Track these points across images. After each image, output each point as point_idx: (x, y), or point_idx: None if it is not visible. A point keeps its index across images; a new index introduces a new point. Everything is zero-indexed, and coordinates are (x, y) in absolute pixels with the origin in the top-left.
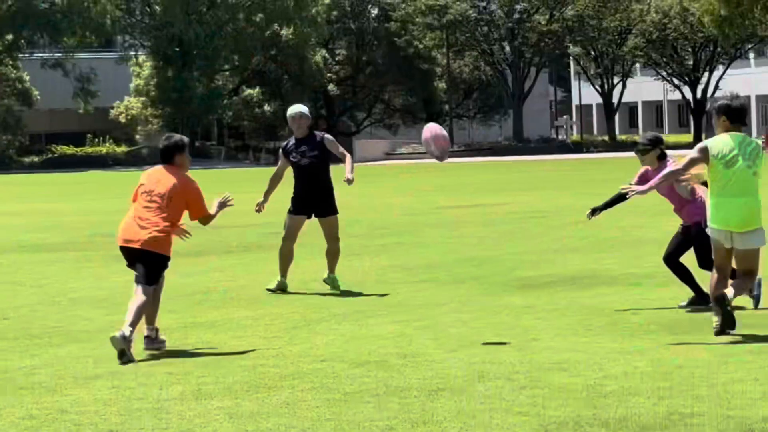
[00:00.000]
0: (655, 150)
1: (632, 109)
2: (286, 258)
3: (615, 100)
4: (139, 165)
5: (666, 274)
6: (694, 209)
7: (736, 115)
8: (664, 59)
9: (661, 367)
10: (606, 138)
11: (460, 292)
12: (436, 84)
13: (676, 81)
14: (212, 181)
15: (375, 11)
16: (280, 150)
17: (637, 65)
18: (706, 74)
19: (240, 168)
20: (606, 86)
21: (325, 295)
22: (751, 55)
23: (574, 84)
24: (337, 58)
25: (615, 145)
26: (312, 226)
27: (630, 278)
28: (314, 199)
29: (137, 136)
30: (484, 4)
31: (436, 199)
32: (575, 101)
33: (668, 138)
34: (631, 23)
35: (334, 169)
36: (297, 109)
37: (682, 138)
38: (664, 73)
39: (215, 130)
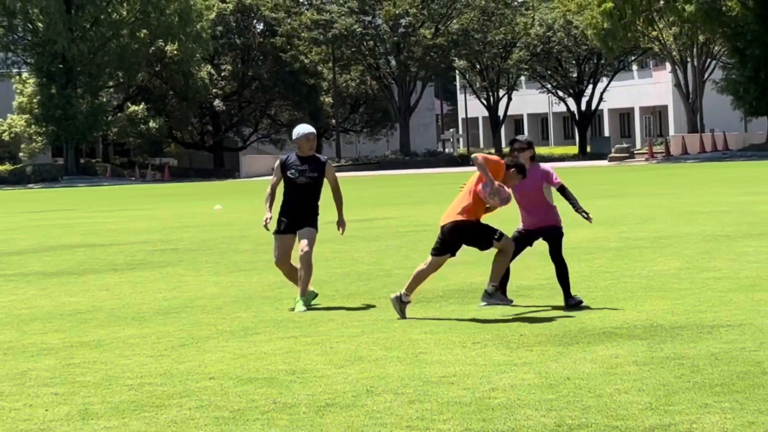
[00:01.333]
0: (530, 150)
1: (518, 121)
2: (292, 277)
3: (501, 113)
4: (23, 183)
5: (553, 286)
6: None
7: None
8: (549, 72)
9: (549, 378)
10: (492, 151)
11: (349, 307)
12: (323, 98)
13: (560, 93)
14: (98, 199)
15: (260, 26)
16: (279, 163)
17: (522, 78)
18: (591, 86)
19: (126, 185)
20: (491, 99)
21: (211, 312)
22: (634, 67)
23: (460, 97)
24: (222, 74)
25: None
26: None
27: (518, 290)
28: (301, 218)
29: (21, 154)
30: (369, 18)
31: (322, 214)
32: (461, 114)
33: (554, 150)
34: (516, 37)
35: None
36: (309, 129)
37: (567, 150)
38: (548, 86)
39: (100, 147)
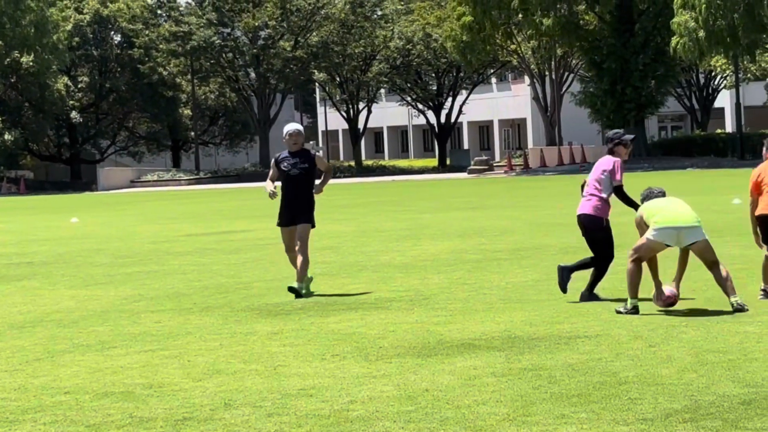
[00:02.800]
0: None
1: (378, 134)
2: (295, 263)
3: (361, 125)
4: None
5: (412, 298)
6: None
7: None
8: (409, 85)
9: (407, 390)
10: (352, 163)
11: (207, 321)
12: (182, 111)
13: (420, 106)
14: None
15: (118, 38)
16: (273, 160)
17: (382, 91)
18: (450, 99)
19: None
20: (351, 112)
21: (67, 326)
22: (493, 80)
23: (320, 110)
24: (79, 86)
25: (361, 171)
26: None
27: (377, 303)
28: (297, 208)
29: None
30: (228, 30)
31: (181, 227)
32: (321, 127)
33: (414, 162)
34: (376, 49)
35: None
36: (294, 126)
37: (427, 162)
38: (408, 99)
39: None
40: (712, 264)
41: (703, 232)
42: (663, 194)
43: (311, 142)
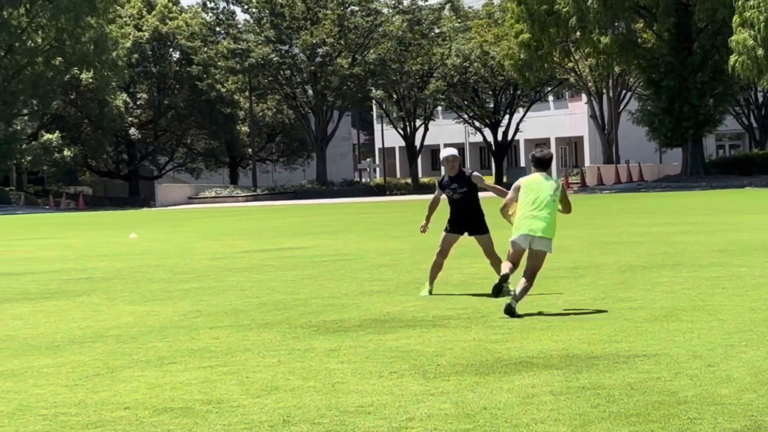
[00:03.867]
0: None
1: (434, 151)
2: (436, 268)
3: (417, 143)
4: None
5: (470, 315)
6: None
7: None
8: (466, 102)
9: (465, 408)
10: (409, 181)
11: (265, 337)
12: (239, 127)
13: (477, 124)
14: (12, 227)
15: (176, 55)
16: (437, 183)
17: (439, 108)
18: (507, 117)
19: (40, 213)
20: (408, 129)
21: (126, 341)
22: (550, 98)
23: (377, 127)
24: (138, 102)
25: (418, 188)
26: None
27: (434, 320)
28: (467, 221)
29: None
30: (286, 47)
31: (239, 243)
32: (378, 144)
33: None
34: (433, 67)
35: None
36: (450, 152)
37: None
38: (465, 116)
39: (14, 175)
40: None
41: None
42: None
43: (368, 160)
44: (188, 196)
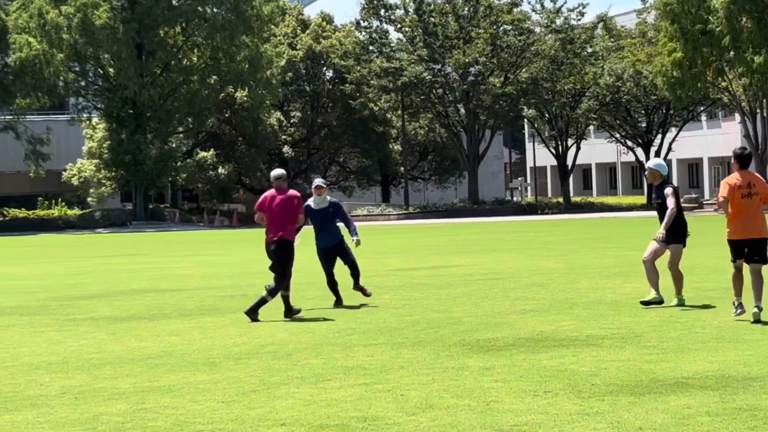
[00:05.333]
0: None
1: (586, 171)
2: (650, 276)
3: (569, 161)
4: (92, 228)
5: (624, 335)
6: None
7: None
8: (618, 121)
9: (621, 428)
10: (560, 200)
11: (419, 355)
12: (391, 146)
13: (629, 143)
14: (167, 244)
15: (330, 74)
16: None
17: (591, 127)
18: (659, 136)
19: (194, 230)
20: (560, 148)
21: (281, 358)
22: (703, 117)
23: (529, 146)
24: (291, 120)
25: (569, 207)
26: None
27: (588, 339)
28: (671, 235)
29: (89, 199)
30: (439, 66)
31: (391, 261)
32: (530, 163)
33: (622, 200)
34: (585, 86)
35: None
36: (649, 164)
37: (635, 199)
38: (617, 135)
39: (169, 192)
40: None
41: None
42: None
43: (519, 179)
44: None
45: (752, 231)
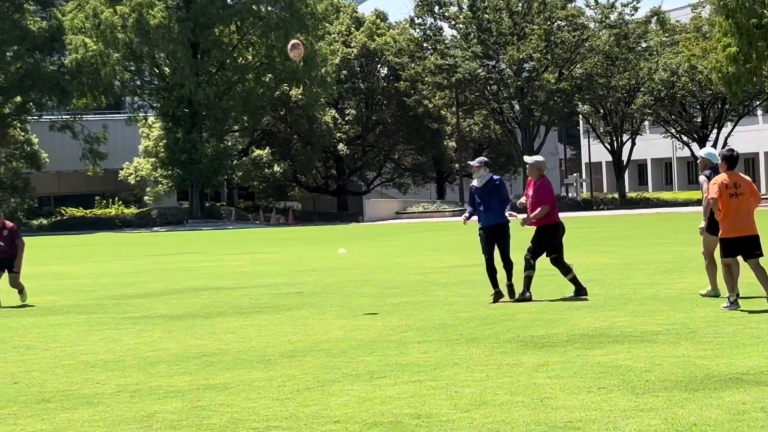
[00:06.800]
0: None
1: (641, 166)
2: (709, 270)
3: (624, 157)
4: (148, 226)
5: (678, 331)
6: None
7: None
8: (673, 117)
9: (675, 425)
10: (616, 195)
11: (474, 352)
12: (446, 143)
13: (684, 138)
14: (223, 242)
15: (384, 71)
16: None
17: (646, 123)
18: (715, 131)
19: (250, 228)
20: (615, 144)
21: (336, 355)
22: (759, 111)
23: (584, 142)
24: (346, 118)
25: (625, 203)
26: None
27: (642, 335)
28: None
29: (146, 198)
30: (493, 63)
31: (446, 258)
32: (585, 159)
33: (677, 195)
34: (640, 81)
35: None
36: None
37: (691, 194)
38: (672, 131)
39: (225, 190)
40: None
41: None
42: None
43: (574, 175)
44: (396, 211)
45: (742, 229)
